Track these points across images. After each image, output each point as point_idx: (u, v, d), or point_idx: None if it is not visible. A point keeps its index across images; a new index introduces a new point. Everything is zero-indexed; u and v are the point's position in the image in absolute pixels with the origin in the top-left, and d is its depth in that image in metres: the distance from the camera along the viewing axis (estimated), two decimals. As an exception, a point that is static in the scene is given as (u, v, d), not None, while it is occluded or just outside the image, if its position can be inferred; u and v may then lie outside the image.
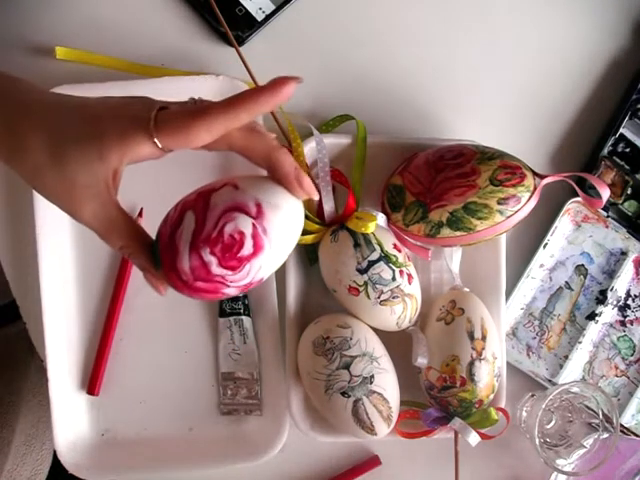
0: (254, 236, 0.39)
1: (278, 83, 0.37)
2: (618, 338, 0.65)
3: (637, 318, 0.65)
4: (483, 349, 0.55)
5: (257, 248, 0.40)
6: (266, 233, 0.40)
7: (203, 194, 0.40)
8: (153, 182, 0.57)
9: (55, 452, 0.56)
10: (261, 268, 0.41)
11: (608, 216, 0.64)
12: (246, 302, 0.58)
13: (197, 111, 0.37)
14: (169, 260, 0.40)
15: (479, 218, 0.53)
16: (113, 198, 0.40)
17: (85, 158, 0.38)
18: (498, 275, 0.59)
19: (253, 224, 0.39)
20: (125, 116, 0.38)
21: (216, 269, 0.39)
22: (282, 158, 0.40)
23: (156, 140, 0.38)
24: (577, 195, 0.56)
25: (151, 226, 0.57)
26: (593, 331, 0.64)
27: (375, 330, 0.56)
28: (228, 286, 0.40)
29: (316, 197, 0.43)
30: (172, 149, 0.39)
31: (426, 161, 0.56)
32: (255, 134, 0.41)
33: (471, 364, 0.55)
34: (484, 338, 0.55)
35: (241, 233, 0.39)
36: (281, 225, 0.40)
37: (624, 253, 0.65)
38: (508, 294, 0.62)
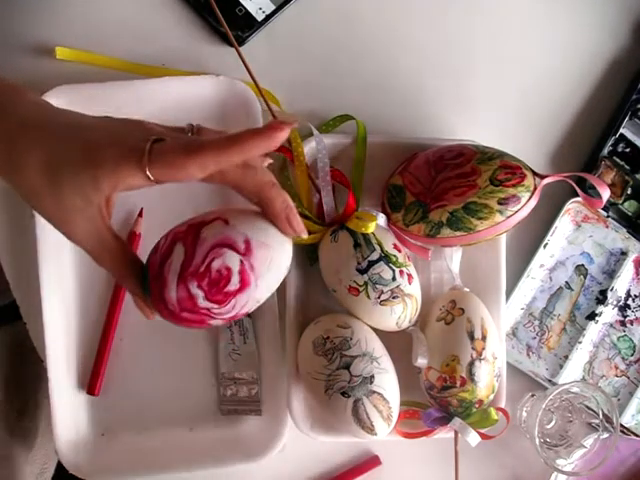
0: (241, 272, 0.40)
1: (274, 128, 0.37)
2: (618, 338, 0.65)
3: (637, 318, 0.65)
4: (483, 349, 0.55)
5: (243, 284, 0.40)
6: (253, 270, 0.40)
7: (194, 226, 0.41)
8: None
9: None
10: (247, 303, 0.41)
11: (608, 216, 0.64)
12: (246, 302, 0.58)
13: (191, 148, 0.37)
14: (157, 290, 0.40)
15: (479, 218, 0.53)
16: (106, 223, 0.40)
17: (79, 184, 0.38)
18: (498, 275, 0.59)
19: (241, 261, 0.40)
20: (122, 146, 0.38)
21: (202, 302, 0.40)
22: (273, 196, 0.41)
23: (148, 173, 0.38)
24: (577, 195, 0.56)
25: (151, 225, 0.57)
26: (593, 331, 0.64)
27: (375, 330, 0.56)
28: (214, 318, 0.41)
29: (305, 235, 0.43)
30: (163, 182, 0.39)
31: (426, 161, 0.56)
32: (248, 170, 0.40)
33: (471, 364, 0.55)
34: (484, 338, 0.55)
35: (228, 269, 0.40)
36: (268, 263, 0.41)
37: (624, 253, 0.65)
38: (508, 294, 0.62)
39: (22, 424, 0.70)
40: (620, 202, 0.65)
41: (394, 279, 0.54)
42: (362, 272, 0.53)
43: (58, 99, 0.55)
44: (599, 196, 0.54)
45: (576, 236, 0.64)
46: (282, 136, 0.38)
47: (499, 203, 0.53)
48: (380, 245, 0.54)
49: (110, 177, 0.38)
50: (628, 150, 0.65)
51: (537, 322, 0.64)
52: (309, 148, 0.57)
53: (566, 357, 0.64)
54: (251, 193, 0.41)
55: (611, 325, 0.65)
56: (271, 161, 0.44)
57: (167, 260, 0.40)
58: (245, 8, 0.60)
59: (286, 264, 0.43)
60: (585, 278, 0.64)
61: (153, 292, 0.41)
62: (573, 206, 0.63)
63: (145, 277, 0.41)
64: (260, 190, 0.40)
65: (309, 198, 0.57)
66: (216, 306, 0.40)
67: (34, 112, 0.40)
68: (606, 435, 0.60)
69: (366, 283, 0.53)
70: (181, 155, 0.37)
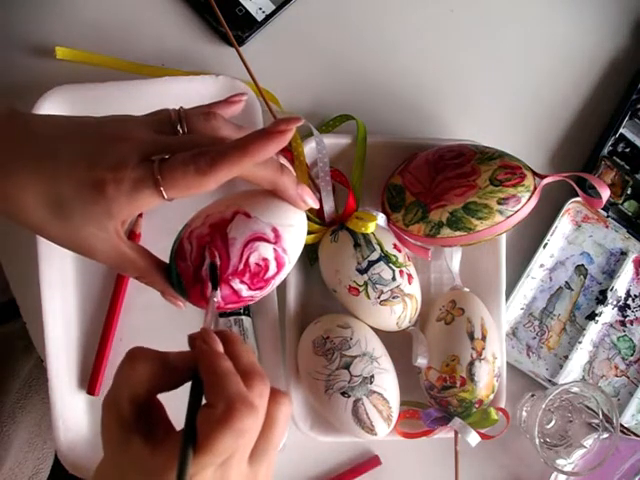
0: (276, 258, 0.42)
1: (280, 131, 0.38)
2: (618, 338, 0.65)
3: (637, 318, 0.65)
4: (483, 349, 0.55)
5: (280, 266, 0.43)
6: (286, 252, 0.42)
7: (216, 227, 0.41)
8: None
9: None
10: (282, 277, 0.44)
11: (608, 216, 0.64)
12: (246, 302, 0.58)
13: (203, 168, 0.38)
14: (199, 292, 0.41)
15: (479, 218, 0.53)
16: (123, 239, 0.40)
17: (93, 217, 0.38)
18: (498, 275, 0.59)
19: (274, 249, 0.42)
20: (128, 179, 0.38)
21: (246, 293, 0.42)
22: (286, 182, 0.42)
23: (166, 197, 0.38)
24: (577, 195, 0.56)
25: (151, 225, 0.57)
26: (593, 331, 0.64)
27: (375, 330, 0.56)
28: (255, 299, 0.44)
29: (317, 205, 0.45)
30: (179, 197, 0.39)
31: (426, 161, 0.56)
32: (259, 163, 0.41)
33: (471, 364, 0.55)
34: (484, 338, 0.55)
35: (265, 259, 0.42)
36: (295, 239, 0.43)
37: (624, 253, 0.65)
38: (508, 294, 0.62)
39: (14, 425, 0.70)
40: (620, 202, 0.65)
41: (394, 279, 0.54)
42: (362, 272, 0.53)
43: (58, 99, 0.55)
44: (599, 196, 0.54)
45: (576, 236, 0.64)
46: (289, 135, 0.38)
47: (499, 203, 0.53)
48: (380, 245, 0.54)
49: (126, 207, 0.38)
50: (628, 150, 0.65)
51: (537, 322, 0.64)
52: (309, 148, 0.57)
53: (566, 357, 0.63)
54: (264, 183, 0.42)
55: (611, 325, 0.65)
56: None
57: (201, 267, 0.41)
58: (245, 8, 0.60)
59: (305, 230, 0.45)
60: (585, 278, 0.64)
61: (192, 294, 0.42)
62: (573, 206, 0.63)
63: (171, 274, 0.42)
64: (273, 180, 0.41)
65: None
66: (259, 292, 0.43)
67: (27, 144, 0.39)
68: (606, 435, 0.60)
69: (366, 283, 0.53)
70: (197, 177, 0.38)
